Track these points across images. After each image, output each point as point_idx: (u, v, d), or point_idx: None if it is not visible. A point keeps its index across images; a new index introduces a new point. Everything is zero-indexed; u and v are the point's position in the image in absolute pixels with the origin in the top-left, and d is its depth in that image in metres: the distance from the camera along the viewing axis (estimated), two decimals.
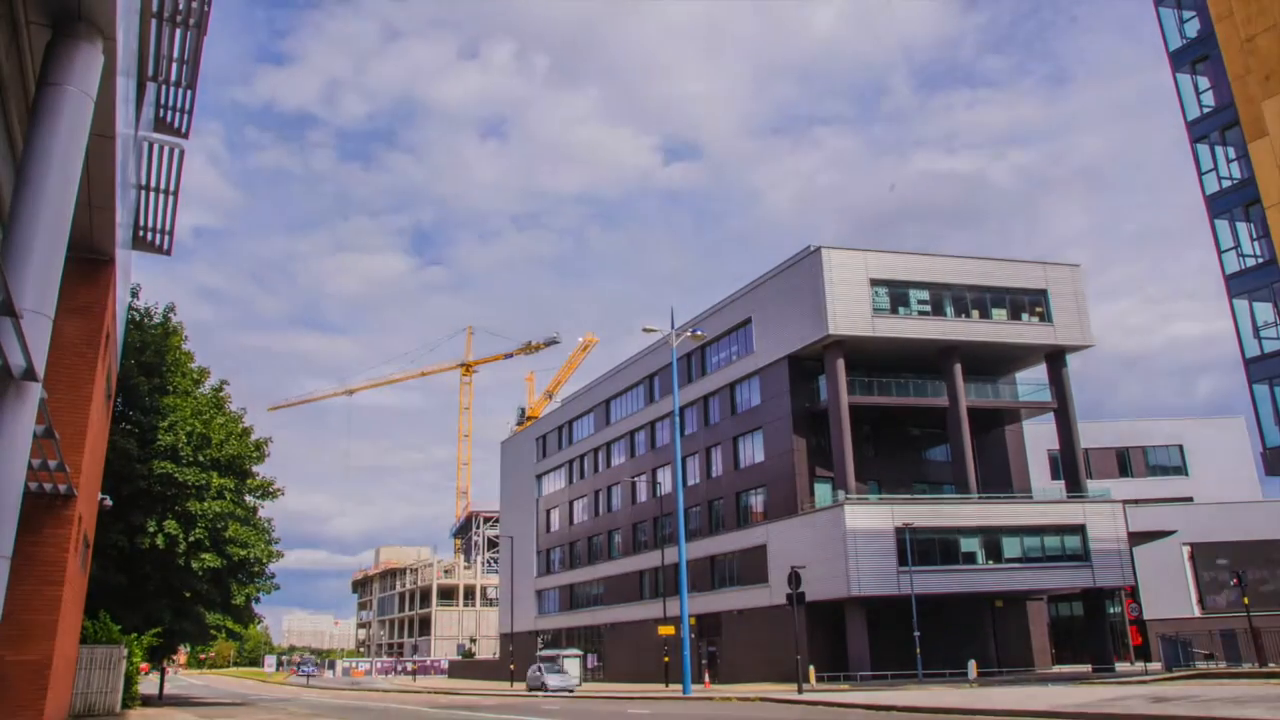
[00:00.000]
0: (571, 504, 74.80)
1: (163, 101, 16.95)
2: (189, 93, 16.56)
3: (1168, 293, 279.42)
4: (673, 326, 43.34)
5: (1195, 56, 36.45)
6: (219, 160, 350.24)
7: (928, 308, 49.13)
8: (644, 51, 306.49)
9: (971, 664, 41.93)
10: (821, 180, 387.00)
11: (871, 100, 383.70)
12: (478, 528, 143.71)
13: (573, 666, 54.67)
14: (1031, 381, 52.89)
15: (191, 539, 29.03)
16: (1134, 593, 48.83)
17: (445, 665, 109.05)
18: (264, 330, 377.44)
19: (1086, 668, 48.05)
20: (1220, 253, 35.59)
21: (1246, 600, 42.12)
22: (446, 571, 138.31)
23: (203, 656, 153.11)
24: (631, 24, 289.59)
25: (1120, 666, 47.99)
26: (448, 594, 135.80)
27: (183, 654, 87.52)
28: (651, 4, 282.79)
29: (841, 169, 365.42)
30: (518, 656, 68.31)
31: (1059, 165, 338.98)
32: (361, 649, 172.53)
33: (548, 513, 79.03)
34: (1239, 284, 34.88)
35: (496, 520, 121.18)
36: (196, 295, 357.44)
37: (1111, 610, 53.61)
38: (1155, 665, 45.24)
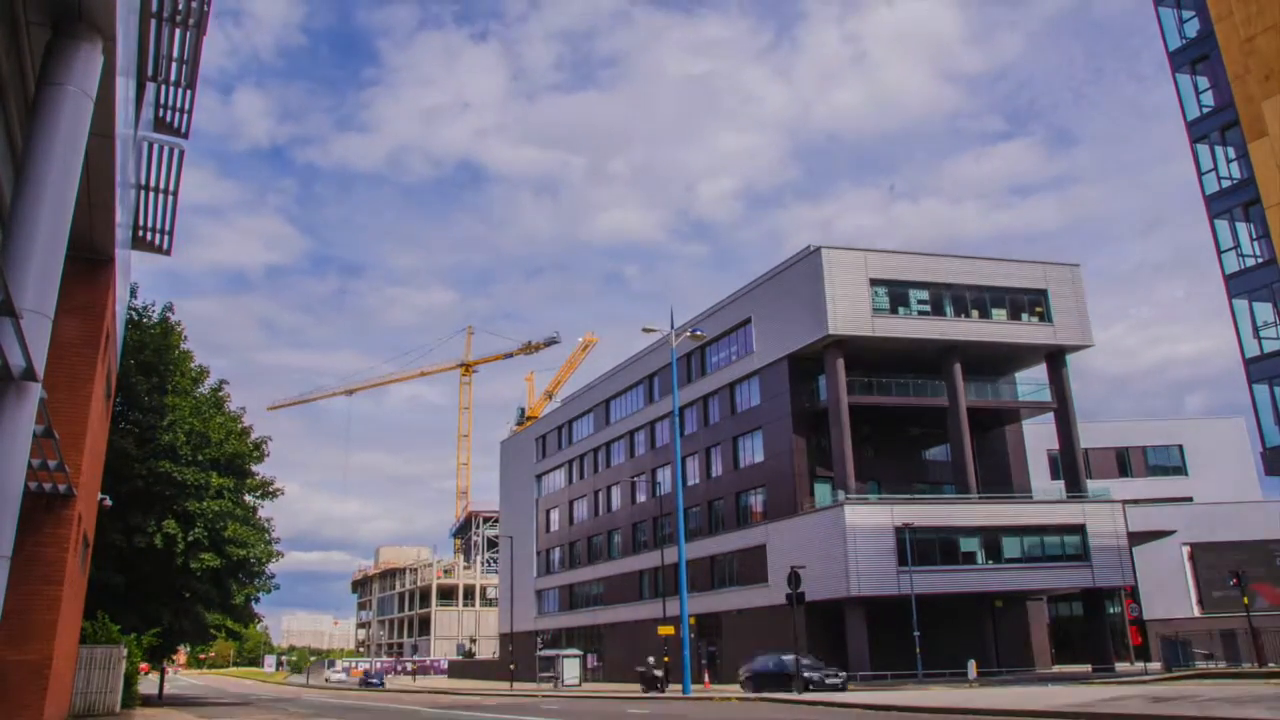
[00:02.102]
0: (571, 504, 74.78)
1: (163, 101, 16.94)
2: (189, 93, 16.56)
3: (1157, 317, 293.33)
4: (672, 327, 43.33)
5: (1195, 56, 36.42)
6: (291, 214, 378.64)
7: (928, 307, 49.12)
8: (677, 122, 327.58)
9: (971, 664, 41.90)
10: (839, 226, 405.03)
11: (886, 161, 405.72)
12: (477, 528, 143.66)
13: (572, 666, 54.67)
14: (1031, 381, 52.88)
15: (190, 539, 29.02)
16: (1134, 593, 48.82)
17: (445, 665, 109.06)
18: (308, 351, 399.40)
19: (1086, 668, 48.05)
20: (1220, 253, 35.57)
21: (1246, 600, 42.11)
22: (446, 571, 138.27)
23: (202, 656, 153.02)
24: (666, 93, 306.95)
25: (1120, 666, 47.98)
26: (447, 594, 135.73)
27: (182, 654, 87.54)
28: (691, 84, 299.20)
29: (856, 217, 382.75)
30: (518, 656, 68.31)
31: (1060, 213, 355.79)
32: (361, 649, 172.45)
33: (547, 513, 79.01)
34: (1239, 284, 34.86)
35: (496, 520, 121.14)
36: (255, 323, 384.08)
37: (1111, 610, 53.59)
38: (1155, 665, 45.24)
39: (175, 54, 14.85)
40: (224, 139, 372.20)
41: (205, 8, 13.81)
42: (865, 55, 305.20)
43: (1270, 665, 39.28)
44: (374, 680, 77.94)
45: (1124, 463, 65.72)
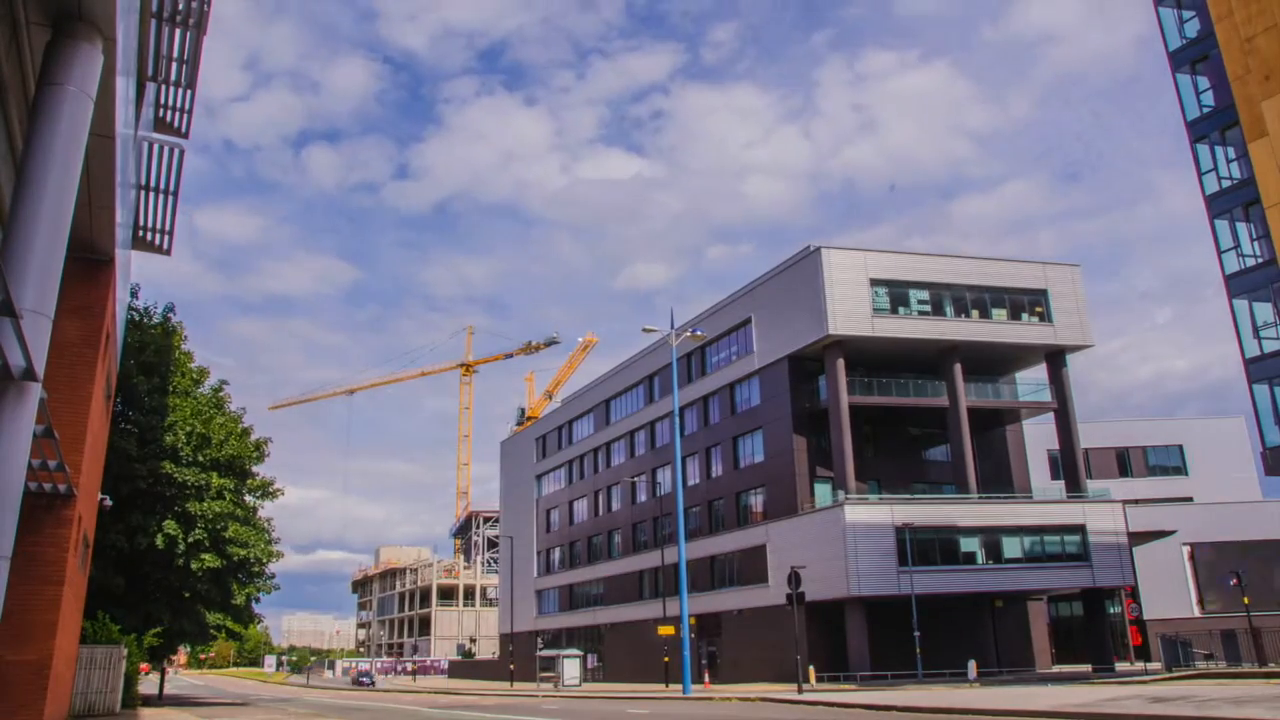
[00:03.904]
0: (571, 504, 74.78)
1: (163, 101, 16.94)
2: (189, 93, 16.56)
3: (1151, 337, 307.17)
4: (672, 327, 43.37)
5: (1195, 56, 36.42)
6: (344, 250, 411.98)
7: (928, 307, 49.11)
8: (704, 177, 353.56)
9: (971, 664, 41.89)
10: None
11: (900, 203, 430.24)
12: (478, 528, 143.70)
13: (572, 666, 54.67)
14: (1031, 381, 52.85)
15: (191, 539, 29.04)
16: (1134, 593, 48.84)
17: (445, 665, 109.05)
18: (345, 370, 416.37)
19: (1086, 668, 48.06)
20: (1220, 253, 35.57)
21: (1247, 600, 42.09)
22: (447, 571, 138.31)
23: (202, 657, 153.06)
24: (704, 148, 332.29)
25: (1120, 666, 47.99)
26: (447, 594, 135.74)
27: (182, 654, 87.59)
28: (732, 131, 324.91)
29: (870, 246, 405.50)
30: (518, 657, 68.32)
31: (1060, 243, 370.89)
32: (361, 649, 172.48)
33: (548, 513, 79.01)
34: (1239, 284, 34.85)
35: (496, 520, 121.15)
36: (299, 345, 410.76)
37: (1111, 610, 53.59)
38: (1155, 665, 45.25)
39: (175, 54, 14.86)
40: (293, 187, 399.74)
41: (205, 8, 13.81)
42: (877, 119, 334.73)
43: (1270, 665, 39.27)
44: (365, 679, 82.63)
45: (1124, 463, 65.70)
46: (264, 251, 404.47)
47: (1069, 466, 50.10)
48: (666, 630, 44.85)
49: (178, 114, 17.16)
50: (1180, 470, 65.64)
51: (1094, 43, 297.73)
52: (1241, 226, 35.15)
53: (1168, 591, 53.88)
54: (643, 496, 63.56)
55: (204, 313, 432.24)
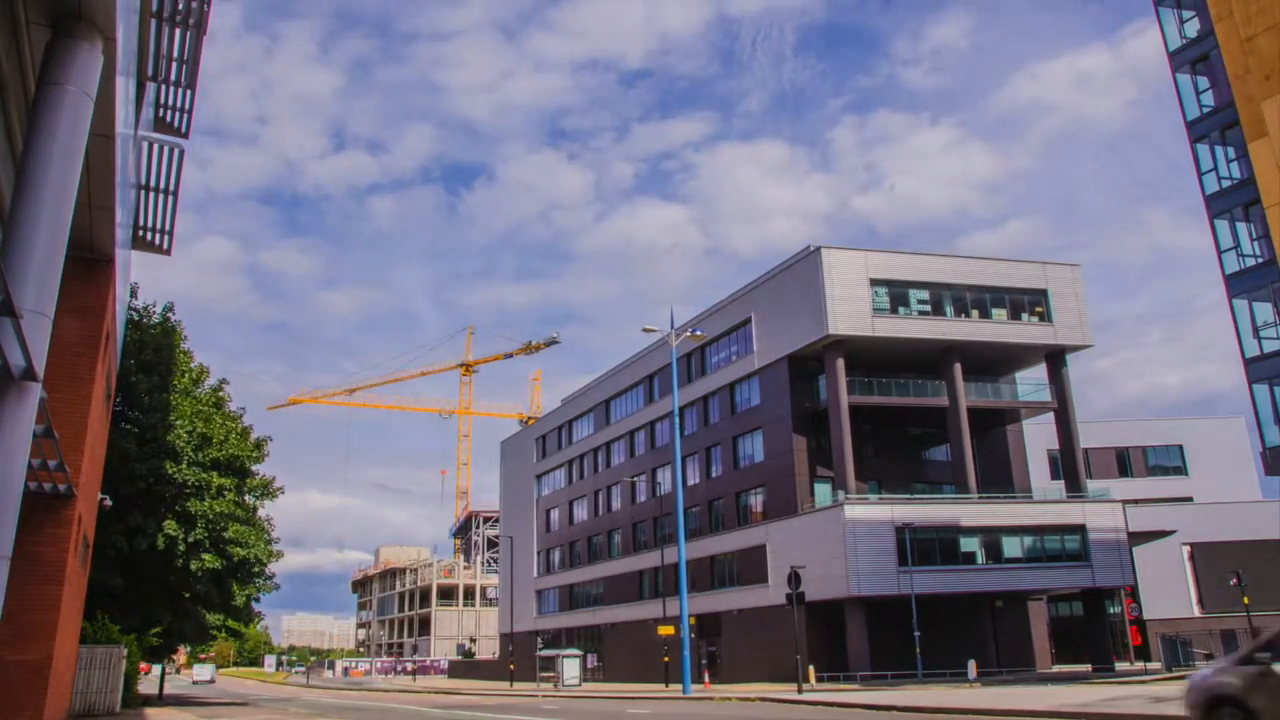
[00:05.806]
0: (571, 504, 74.78)
1: (163, 101, 16.95)
2: (189, 93, 16.56)
3: (1142, 355, 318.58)
4: (672, 326, 43.37)
5: (1195, 56, 36.43)
6: (430, 292, 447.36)
7: (928, 307, 49.11)
8: (728, 218, 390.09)
9: (971, 664, 41.86)
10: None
11: (908, 239, 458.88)
12: (477, 528, 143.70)
13: (572, 666, 54.63)
14: (1031, 381, 52.86)
15: (191, 539, 29.03)
16: (1134, 593, 48.83)
17: (445, 665, 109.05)
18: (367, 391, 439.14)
19: (1086, 668, 48.05)
20: (1220, 253, 35.57)
21: (1247, 600, 42.10)
22: (447, 571, 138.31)
23: (202, 657, 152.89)
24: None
25: (1120, 666, 47.99)
26: (447, 594, 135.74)
27: (182, 653, 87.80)
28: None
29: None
30: (518, 656, 68.31)
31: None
32: (361, 649, 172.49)
33: (547, 513, 79.02)
34: (1239, 284, 34.85)
35: (496, 520, 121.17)
36: (343, 364, 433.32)
37: (1111, 610, 53.59)
38: (1155, 665, 45.25)
39: (175, 54, 14.86)
40: (354, 231, 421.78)
41: (205, 7, 13.82)
42: (890, 170, 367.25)
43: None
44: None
45: (1124, 463, 65.72)
46: (320, 284, 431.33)
47: (1069, 466, 50.09)
48: (666, 630, 44.84)
49: (178, 114, 17.16)
50: (1180, 470, 65.68)
51: (1087, 108, 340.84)
52: (1241, 226, 35.15)
53: (1168, 591, 53.91)
54: (643, 496, 63.56)
55: (258, 337, 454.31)
